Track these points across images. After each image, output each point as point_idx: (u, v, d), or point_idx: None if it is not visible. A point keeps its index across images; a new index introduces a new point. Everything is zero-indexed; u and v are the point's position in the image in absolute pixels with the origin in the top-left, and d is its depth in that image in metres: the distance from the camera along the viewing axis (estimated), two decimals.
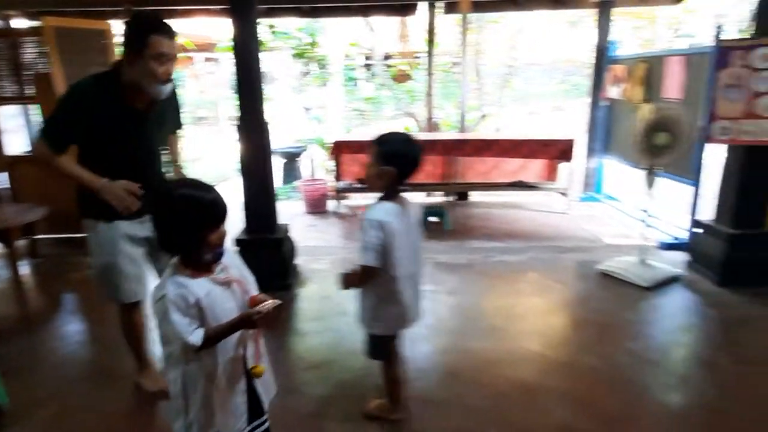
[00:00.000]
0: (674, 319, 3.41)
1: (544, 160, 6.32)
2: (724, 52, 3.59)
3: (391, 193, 2.11)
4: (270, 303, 1.53)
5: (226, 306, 1.54)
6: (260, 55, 3.61)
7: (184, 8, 6.89)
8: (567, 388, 2.62)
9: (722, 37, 3.75)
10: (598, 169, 6.61)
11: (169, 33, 2.15)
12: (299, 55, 9.31)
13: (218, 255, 1.56)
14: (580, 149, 6.47)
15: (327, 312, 3.51)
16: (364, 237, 2.00)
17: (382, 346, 2.26)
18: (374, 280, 2.06)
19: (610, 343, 3.07)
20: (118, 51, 5.03)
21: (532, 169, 6.54)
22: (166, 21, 2.14)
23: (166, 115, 2.46)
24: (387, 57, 10.51)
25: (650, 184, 3.87)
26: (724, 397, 2.56)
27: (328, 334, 3.22)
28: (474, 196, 6.83)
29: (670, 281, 3.90)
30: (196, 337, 1.46)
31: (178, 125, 2.63)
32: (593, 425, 2.36)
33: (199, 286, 1.50)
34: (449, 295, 3.75)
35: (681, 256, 4.32)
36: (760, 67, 3.47)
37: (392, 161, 2.04)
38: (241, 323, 1.53)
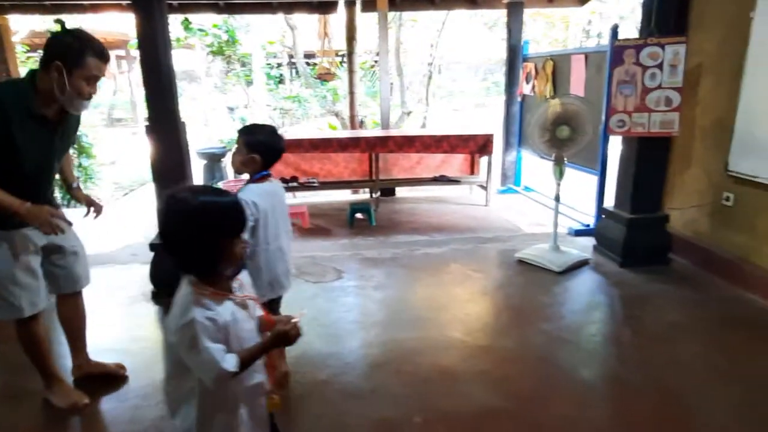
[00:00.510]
0: (583, 300, 3.67)
1: (465, 154, 6.56)
2: (618, 51, 3.89)
3: (259, 177, 2.37)
4: (299, 316, 1.47)
5: (246, 327, 1.43)
6: (171, 51, 3.51)
7: (93, 3, 6.53)
8: (486, 371, 2.75)
9: (618, 37, 4.07)
10: (516, 162, 6.95)
11: (106, 57, 2.17)
12: (217, 53, 9.06)
13: (239, 269, 1.44)
14: (498, 143, 6.78)
15: None
16: None
17: None
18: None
19: (525, 325, 3.25)
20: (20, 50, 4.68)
21: (454, 163, 6.77)
22: (102, 43, 2.16)
23: (71, 131, 2.38)
24: (309, 55, 10.46)
25: (559, 174, 4.12)
26: (625, 369, 2.79)
27: None
28: (400, 191, 6.97)
29: (580, 265, 4.18)
30: (230, 363, 1.32)
31: (73, 142, 2.58)
32: (511, 403, 2.50)
33: (225, 308, 1.37)
34: (375, 290, 3.82)
35: (589, 241, 4.64)
36: (648, 64, 3.79)
37: (257, 149, 2.31)
38: (277, 342, 1.42)
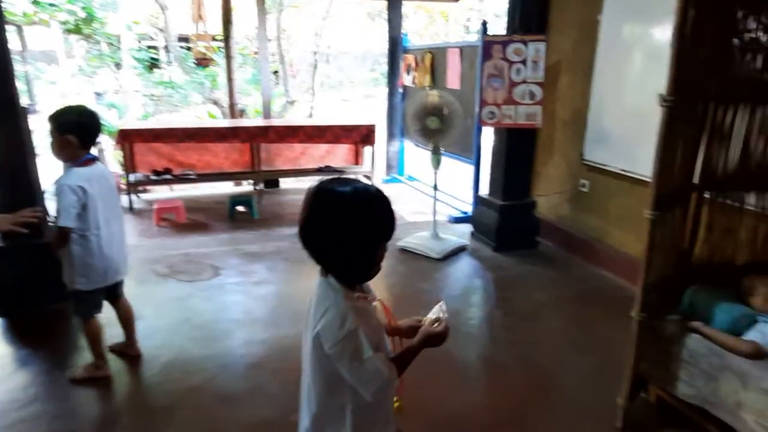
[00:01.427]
0: (460, 285, 3.83)
1: (349, 144, 6.55)
2: (487, 46, 4.08)
3: (84, 161, 2.32)
4: (443, 313, 1.37)
5: (382, 334, 1.32)
6: (4, 25, 3.06)
7: None
8: None
9: (488, 33, 4.27)
10: (400, 152, 7.09)
11: None
12: (74, 31, 8.15)
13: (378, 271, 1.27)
14: (381, 134, 6.86)
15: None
16: (59, 201, 2.23)
17: (90, 301, 2.46)
18: (73, 239, 2.30)
19: (406, 313, 3.28)
20: None
21: (338, 154, 6.73)
22: None
23: None
24: (183, 39, 9.81)
25: (436, 164, 4.25)
26: (497, 349, 2.96)
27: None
28: (284, 183, 6.80)
29: (459, 250, 4.35)
30: (393, 371, 1.21)
31: None
32: None
33: (372, 313, 1.25)
34: (256, 286, 3.68)
35: (468, 228, 4.86)
36: (514, 60, 4.02)
37: (70, 130, 2.25)
38: (430, 343, 1.32)
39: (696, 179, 2.41)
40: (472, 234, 4.73)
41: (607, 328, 3.14)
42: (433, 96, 4.04)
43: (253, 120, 7.19)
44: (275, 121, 6.43)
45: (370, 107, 16.22)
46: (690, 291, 2.30)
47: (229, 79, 6.76)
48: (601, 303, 3.50)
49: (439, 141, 4.10)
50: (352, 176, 6.31)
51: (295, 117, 9.12)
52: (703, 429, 2.12)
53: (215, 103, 8.18)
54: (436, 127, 4.01)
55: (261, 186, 6.22)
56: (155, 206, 5.07)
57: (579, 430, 2.28)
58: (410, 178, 6.93)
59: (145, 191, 6.21)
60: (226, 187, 6.73)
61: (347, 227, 1.16)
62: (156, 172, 5.68)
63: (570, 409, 2.42)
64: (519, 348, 2.93)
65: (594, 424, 2.30)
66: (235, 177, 6.43)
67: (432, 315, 1.40)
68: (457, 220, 5.17)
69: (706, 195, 2.48)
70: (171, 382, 2.53)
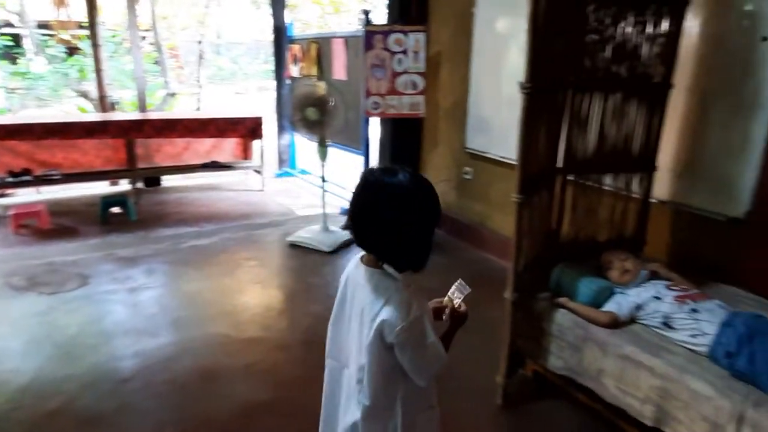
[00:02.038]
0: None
1: (236, 138, 6.27)
2: (369, 36, 4.06)
3: None
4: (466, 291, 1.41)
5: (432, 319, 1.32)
6: None
7: None
8: (252, 364, 2.64)
9: (371, 23, 4.25)
10: (291, 145, 6.92)
11: None
12: None
13: None
14: (271, 127, 6.64)
15: None
16: None
17: None
18: None
19: (295, 310, 3.23)
20: None
21: (226, 148, 6.41)
22: None
23: None
24: (44, 26, 8.82)
25: (323, 156, 4.17)
26: None
27: None
28: (168, 180, 6.36)
29: (349, 243, 4.31)
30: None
31: None
32: (278, 394, 2.43)
33: (426, 300, 1.29)
34: (130, 293, 3.38)
35: None
36: (395, 50, 4.04)
37: None
38: (457, 324, 1.39)
39: (560, 163, 2.55)
40: None
41: (491, 308, 3.23)
42: (312, 86, 3.96)
43: (126, 114, 6.62)
44: (152, 115, 5.96)
45: (264, 100, 15.73)
46: (557, 269, 2.44)
47: (98, 70, 6.15)
48: (486, 284, 3.58)
49: (320, 132, 4.02)
50: (241, 171, 6.10)
51: (180, 110, 8.57)
52: (574, 398, 2.26)
53: (85, 96, 7.45)
54: (316, 118, 3.92)
55: (140, 185, 5.76)
56: (11, 212, 4.51)
57: (462, 410, 2.34)
58: (303, 172, 6.79)
59: (3, 195, 5.51)
60: (101, 188, 6.16)
61: (406, 215, 1.14)
62: (12, 174, 5.04)
63: (454, 391, 2.46)
64: None
65: (477, 402, 2.38)
66: (110, 176, 5.90)
67: (452, 295, 1.42)
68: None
69: (570, 178, 2.64)
70: (23, 410, 2.24)
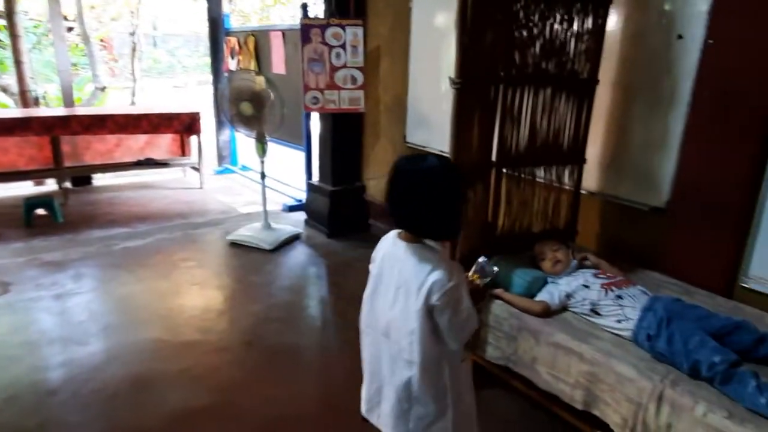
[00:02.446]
0: (293, 275, 3.74)
1: (172, 134, 6.04)
2: (305, 29, 3.99)
3: None
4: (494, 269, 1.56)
5: None
6: None
7: None
8: (188, 368, 2.55)
9: (308, 15, 4.17)
10: (231, 141, 6.74)
11: None
12: None
13: None
14: (209, 122, 6.44)
15: None
16: None
17: None
18: None
19: (235, 310, 3.15)
20: None
21: (161, 144, 6.17)
22: None
23: None
24: None
25: (261, 152, 4.08)
26: (327, 336, 2.94)
27: None
28: (99, 179, 6.06)
29: (292, 240, 4.26)
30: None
31: None
32: (213, 398, 2.36)
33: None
34: (56, 300, 3.19)
35: (302, 216, 4.78)
36: (333, 44, 3.99)
37: None
38: (475, 300, 1.45)
39: (494, 157, 2.60)
40: (306, 222, 4.67)
41: None
42: (246, 80, 3.86)
43: (51, 109, 6.22)
44: (79, 110, 5.63)
45: (204, 94, 15.21)
46: (493, 261, 2.49)
47: (17, 62, 5.76)
48: None
49: (257, 128, 3.94)
50: (179, 169, 5.88)
51: (112, 106, 8.15)
52: (512, 386, 2.32)
53: (4, 90, 6.95)
54: (251, 114, 3.83)
55: (68, 184, 5.44)
56: None
57: None
58: (244, 168, 6.63)
59: None
60: (25, 188, 5.77)
61: (442, 191, 1.31)
62: None
63: None
64: (349, 332, 2.92)
65: None
66: (34, 176, 5.54)
67: (474, 272, 1.55)
68: (292, 209, 5.06)
69: (505, 171, 2.70)
70: None
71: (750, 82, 2.21)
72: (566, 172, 2.86)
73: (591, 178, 2.93)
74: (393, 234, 1.45)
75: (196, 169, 5.90)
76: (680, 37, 2.48)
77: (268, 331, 2.90)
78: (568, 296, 2.18)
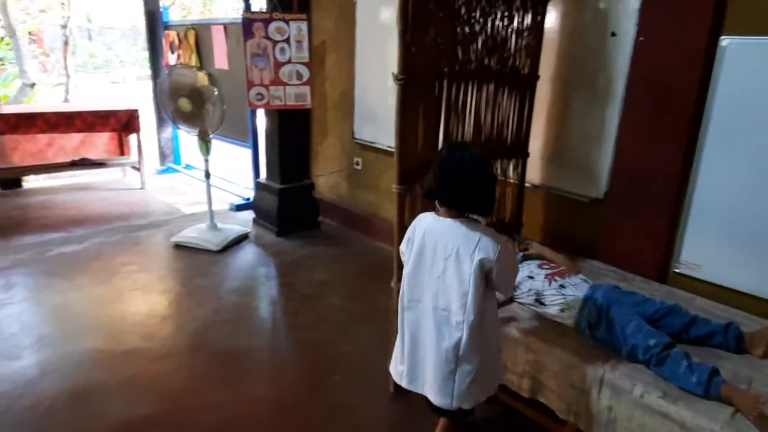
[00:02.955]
0: (241, 275, 3.65)
1: (110, 133, 5.76)
2: (247, 23, 3.89)
3: None
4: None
5: None
6: None
7: None
8: (130, 378, 2.45)
9: (251, 9, 4.07)
10: (174, 139, 6.50)
11: None
12: None
13: None
14: (150, 119, 6.19)
15: None
16: None
17: None
18: None
19: (181, 314, 3.04)
20: None
21: (98, 144, 5.87)
22: None
23: None
24: None
25: (205, 150, 3.95)
26: (278, 336, 2.90)
27: None
28: (31, 181, 5.71)
29: (240, 240, 4.16)
30: None
31: None
32: (159, 407, 2.27)
33: None
34: None
35: (250, 215, 4.68)
36: (277, 39, 3.91)
37: None
38: None
39: None
40: (255, 221, 4.58)
41: (386, 297, 3.30)
42: (184, 75, 3.73)
43: None
44: (4, 109, 5.28)
45: (144, 90, 14.60)
46: None
47: None
48: (380, 274, 3.64)
49: (197, 125, 3.82)
50: (118, 169, 5.62)
51: (42, 103, 7.68)
52: None
53: None
54: (190, 110, 3.70)
55: None
56: None
57: (355, 401, 2.35)
58: (188, 167, 6.42)
59: None
60: None
61: (484, 173, 1.62)
62: None
63: (348, 383, 2.48)
64: (300, 331, 2.91)
65: (369, 392, 2.40)
66: None
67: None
68: (240, 208, 4.95)
69: None
70: None
71: (677, 78, 2.33)
72: (510, 166, 2.93)
73: (534, 172, 3.01)
74: (430, 214, 1.72)
75: (137, 169, 5.66)
76: (614, 34, 2.58)
77: (216, 335, 2.83)
78: (515, 288, 2.23)
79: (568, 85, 2.82)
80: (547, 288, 2.13)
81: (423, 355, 1.74)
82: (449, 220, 1.64)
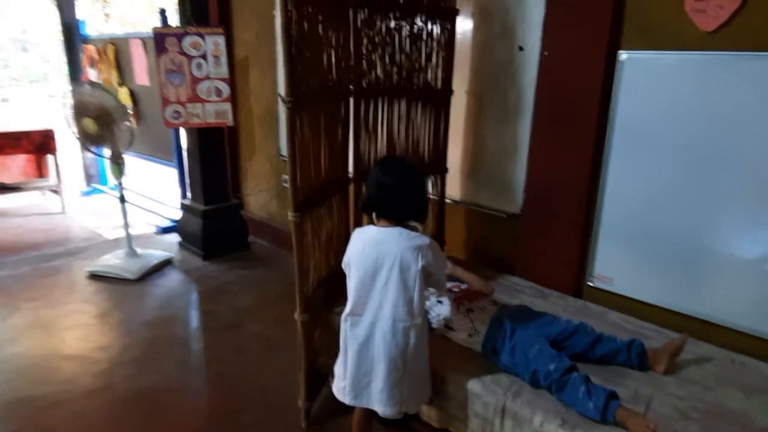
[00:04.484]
0: (158, 305, 3.42)
1: (21, 155, 5.40)
2: (159, 38, 3.70)
3: None
4: None
5: None
6: None
7: None
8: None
9: (167, 23, 3.89)
10: (99, 159, 6.18)
11: None
12: None
13: None
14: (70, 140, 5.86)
15: None
16: None
17: None
18: None
19: (83, 355, 2.81)
20: None
21: (12, 166, 5.48)
22: None
23: None
24: None
25: (118, 173, 3.73)
26: (187, 372, 2.70)
27: None
28: None
29: (162, 266, 3.94)
30: None
31: None
32: None
33: None
34: None
35: (176, 238, 4.46)
36: (192, 54, 3.74)
37: None
38: None
39: (351, 171, 2.53)
40: (180, 244, 4.36)
41: None
42: (89, 94, 3.51)
43: None
44: None
45: (56, 107, 13.88)
46: None
47: None
48: None
49: (106, 147, 3.60)
50: (37, 191, 5.27)
51: None
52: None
53: None
54: (95, 131, 3.49)
55: None
56: None
57: None
58: (115, 188, 6.11)
59: None
60: None
61: (417, 186, 1.80)
62: None
63: (260, 420, 2.33)
64: (215, 365, 2.74)
65: (281, 427, 2.26)
66: None
67: None
68: (166, 231, 4.72)
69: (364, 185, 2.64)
70: None
71: (579, 92, 2.32)
72: (429, 183, 2.87)
73: (455, 187, 2.97)
74: (369, 227, 1.79)
75: (56, 192, 5.33)
76: (521, 48, 2.56)
77: (120, 376, 2.62)
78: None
79: (482, 99, 2.80)
80: (456, 313, 2.06)
81: (368, 369, 1.76)
82: (390, 229, 1.72)
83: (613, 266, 2.39)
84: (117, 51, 5.15)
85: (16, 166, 5.49)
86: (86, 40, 5.65)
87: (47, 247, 4.36)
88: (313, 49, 1.99)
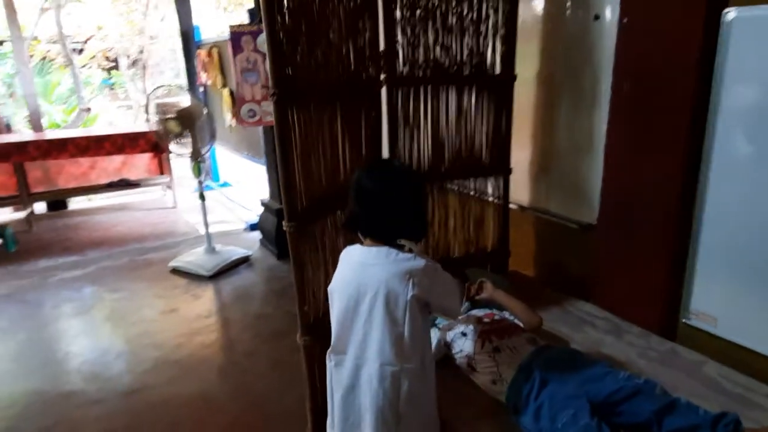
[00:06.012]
0: (218, 306, 3.41)
1: (143, 153, 5.88)
2: (236, 37, 3.70)
3: None
4: None
5: None
6: None
7: None
8: (46, 427, 2.28)
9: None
10: (212, 157, 6.55)
11: None
12: None
13: None
14: None
15: None
16: None
17: None
18: None
19: (136, 352, 2.86)
20: None
21: (138, 164, 6.02)
22: None
23: None
24: None
25: (197, 172, 3.81)
26: (220, 379, 2.60)
27: None
28: (76, 203, 6.00)
29: (237, 263, 3.97)
30: None
31: None
32: None
33: None
34: None
35: (260, 235, 4.50)
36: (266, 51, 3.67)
37: None
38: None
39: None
40: (261, 242, 4.38)
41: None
42: (167, 96, 3.62)
43: (7, 135, 6.07)
44: (32, 136, 5.48)
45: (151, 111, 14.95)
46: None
47: None
48: None
49: (190, 146, 3.68)
50: (152, 188, 5.72)
51: (98, 128, 8.09)
52: None
53: None
54: (179, 131, 3.58)
55: (30, 211, 5.32)
56: None
57: None
58: (225, 185, 6.44)
59: None
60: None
61: (404, 196, 1.38)
62: None
63: None
64: (248, 377, 2.60)
65: None
66: (7, 202, 5.47)
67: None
68: (253, 228, 4.79)
69: None
70: None
71: (670, 67, 1.75)
72: (489, 185, 2.44)
73: (520, 191, 2.50)
74: (355, 246, 1.44)
75: (168, 188, 5.74)
76: (597, 17, 2.03)
77: (160, 378, 2.60)
78: (447, 346, 1.77)
79: (550, 84, 2.30)
80: (480, 351, 1.66)
81: (356, 421, 1.43)
82: (375, 249, 1.38)
83: (718, 301, 1.78)
84: (220, 53, 5.36)
85: (141, 164, 6.02)
86: (199, 45, 5.99)
87: (149, 240, 4.66)
88: (315, 26, 1.71)
